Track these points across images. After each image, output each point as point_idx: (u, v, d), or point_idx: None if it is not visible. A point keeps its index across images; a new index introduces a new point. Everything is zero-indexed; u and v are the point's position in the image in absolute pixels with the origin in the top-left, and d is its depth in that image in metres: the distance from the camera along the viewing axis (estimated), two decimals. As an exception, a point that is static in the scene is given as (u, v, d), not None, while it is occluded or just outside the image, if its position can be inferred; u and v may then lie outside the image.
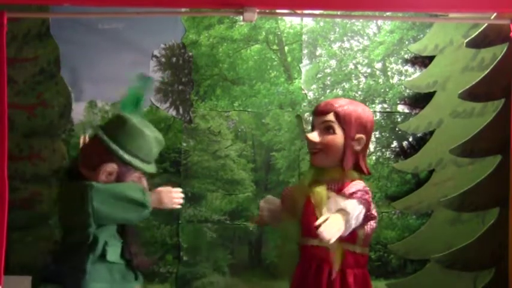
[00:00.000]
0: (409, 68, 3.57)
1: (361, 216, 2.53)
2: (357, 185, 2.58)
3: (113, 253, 2.52)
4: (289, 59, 3.57)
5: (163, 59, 3.56)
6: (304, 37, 3.57)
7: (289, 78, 3.56)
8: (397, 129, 3.55)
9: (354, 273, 2.59)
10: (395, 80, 3.57)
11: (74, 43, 3.51)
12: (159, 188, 2.56)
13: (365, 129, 2.66)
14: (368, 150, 3.53)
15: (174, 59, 3.56)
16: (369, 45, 3.58)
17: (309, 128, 2.82)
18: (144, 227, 3.48)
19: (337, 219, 2.36)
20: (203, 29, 3.56)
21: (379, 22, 3.58)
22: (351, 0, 2.86)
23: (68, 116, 3.52)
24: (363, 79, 3.58)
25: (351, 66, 3.58)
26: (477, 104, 3.47)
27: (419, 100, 3.55)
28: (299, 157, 3.50)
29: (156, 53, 3.55)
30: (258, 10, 2.78)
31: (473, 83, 3.46)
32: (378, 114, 3.56)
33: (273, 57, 3.57)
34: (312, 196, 2.61)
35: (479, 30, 3.46)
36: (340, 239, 2.43)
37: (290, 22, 3.57)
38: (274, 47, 3.58)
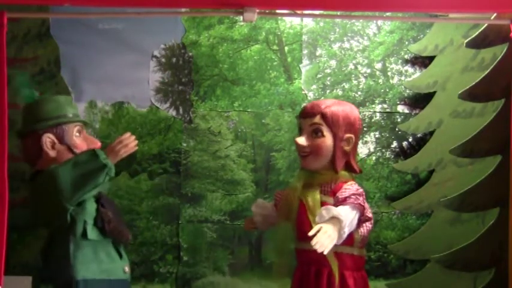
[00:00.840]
0: (409, 68, 3.57)
1: (355, 222, 2.52)
2: (350, 188, 2.56)
3: (93, 231, 2.56)
4: (289, 59, 3.57)
5: (163, 59, 3.55)
6: (304, 37, 3.57)
7: (289, 79, 3.56)
8: (397, 129, 3.55)
9: (353, 276, 2.58)
10: (395, 80, 3.57)
11: (74, 43, 3.51)
12: (110, 144, 2.60)
13: (353, 128, 2.64)
14: (368, 150, 3.58)
15: (174, 59, 3.56)
16: (369, 45, 3.58)
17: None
18: (144, 227, 3.48)
19: (330, 229, 2.35)
20: (203, 29, 3.56)
21: (379, 22, 3.58)
22: (351, 0, 2.85)
23: (68, 116, 3.51)
24: (362, 79, 3.58)
25: (351, 66, 3.58)
26: (477, 104, 3.47)
27: (419, 100, 3.55)
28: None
29: (156, 53, 3.55)
30: (258, 10, 2.78)
31: (473, 83, 3.46)
32: (377, 114, 3.56)
33: (273, 57, 3.57)
34: (304, 201, 2.60)
35: (479, 30, 3.46)
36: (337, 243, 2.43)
37: (290, 22, 3.57)
38: (274, 47, 3.58)
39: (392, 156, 3.55)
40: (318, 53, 3.58)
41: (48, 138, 2.61)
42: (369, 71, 3.58)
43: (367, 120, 3.54)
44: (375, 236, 3.46)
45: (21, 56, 3.51)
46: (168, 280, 3.49)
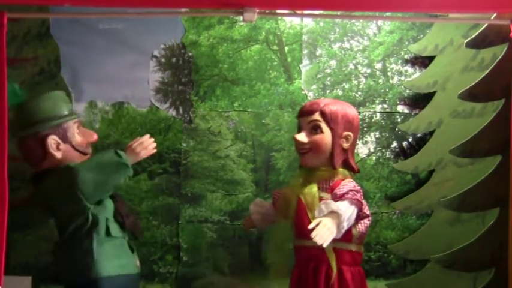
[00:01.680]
0: (409, 68, 3.57)
1: (354, 217, 2.55)
2: (348, 184, 2.60)
3: (115, 228, 2.61)
4: (289, 59, 3.57)
5: (163, 59, 3.56)
6: (304, 37, 3.57)
7: (289, 79, 3.56)
8: (397, 129, 3.55)
9: (350, 271, 2.62)
10: (395, 80, 3.57)
11: (74, 43, 3.51)
12: (130, 143, 2.63)
13: (352, 126, 2.68)
14: (368, 150, 3.58)
15: (174, 59, 3.56)
16: (369, 45, 3.58)
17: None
18: (144, 227, 3.48)
19: (329, 222, 2.38)
20: (203, 29, 3.56)
21: (379, 22, 3.58)
22: (351, 0, 2.86)
23: (68, 116, 3.52)
24: (362, 79, 3.58)
25: (351, 66, 3.59)
26: (477, 104, 3.47)
27: (419, 100, 3.55)
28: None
29: (156, 53, 3.55)
30: (258, 10, 2.79)
31: (473, 83, 3.46)
32: (378, 114, 3.56)
33: (273, 57, 3.57)
34: (303, 197, 2.62)
35: (479, 30, 3.46)
36: (335, 239, 2.45)
37: (290, 22, 3.57)
38: (274, 47, 3.58)
39: (393, 156, 3.55)
40: (318, 53, 3.58)
41: (53, 140, 2.61)
42: (369, 71, 3.58)
43: (367, 120, 3.54)
44: (375, 236, 3.46)
45: (21, 56, 3.51)
46: (168, 280, 3.49)
